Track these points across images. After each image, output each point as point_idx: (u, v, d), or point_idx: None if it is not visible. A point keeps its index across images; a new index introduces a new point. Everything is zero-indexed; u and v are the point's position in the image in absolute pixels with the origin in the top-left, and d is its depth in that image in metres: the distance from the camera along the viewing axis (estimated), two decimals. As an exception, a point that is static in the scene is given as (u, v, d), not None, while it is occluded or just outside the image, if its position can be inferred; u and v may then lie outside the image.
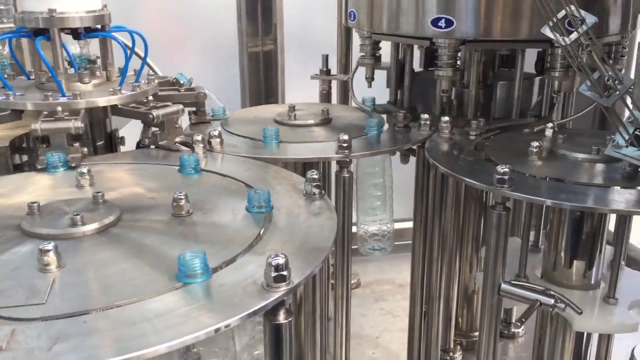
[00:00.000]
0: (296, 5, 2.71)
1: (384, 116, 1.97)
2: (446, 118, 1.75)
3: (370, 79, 2.05)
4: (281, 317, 0.93)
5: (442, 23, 1.68)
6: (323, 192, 1.28)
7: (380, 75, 2.08)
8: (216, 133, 1.57)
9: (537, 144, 1.51)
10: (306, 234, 1.11)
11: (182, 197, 1.16)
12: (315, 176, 1.27)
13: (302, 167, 1.70)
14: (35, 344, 0.77)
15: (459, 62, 1.89)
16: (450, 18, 1.67)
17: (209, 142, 1.56)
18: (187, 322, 0.83)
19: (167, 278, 0.94)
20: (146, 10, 2.66)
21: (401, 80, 2.01)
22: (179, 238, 1.10)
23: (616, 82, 1.23)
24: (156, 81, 1.68)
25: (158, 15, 2.68)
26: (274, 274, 0.90)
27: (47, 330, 0.80)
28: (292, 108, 1.89)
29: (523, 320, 1.34)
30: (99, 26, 1.59)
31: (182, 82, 1.83)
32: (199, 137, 1.51)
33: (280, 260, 0.90)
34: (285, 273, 0.90)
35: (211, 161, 1.51)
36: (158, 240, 1.08)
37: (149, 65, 2.02)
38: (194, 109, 1.81)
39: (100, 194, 1.18)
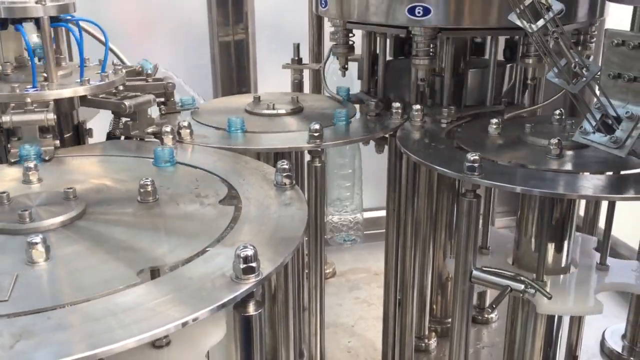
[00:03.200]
0: (268, -6, 2.68)
1: (357, 105, 1.96)
2: (418, 106, 1.75)
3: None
4: (251, 309, 0.92)
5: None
6: (294, 182, 1.27)
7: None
8: (186, 124, 1.55)
9: (496, 120, 1.52)
10: (276, 225, 1.11)
11: (149, 182, 1.14)
12: (286, 166, 1.26)
13: (274, 157, 1.69)
14: (-3, 342, 0.76)
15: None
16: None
17: (179, 133, 1.54)
18: (154, 316, 0.81)
19: (135, 271, 0.93)
20: (114, -1, 2.61)
21: (373, 69, 2.00)
22: (148, 230, 1.09)
23: (583, 69, 1.24)
24: (124, 71, 1.66)
25: (127, 3, 2.63)
26: (242, 266, 0.89)
27: (9, 328, 0.78)
28: (258, 98, 1.88)
29: (494, 306, 1.35)
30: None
31: (147, 69, 1.80)
32: (168, 128, 1.49)
33: (249, 252, 0.89)
34: (254, 265, 0.89)
35: (181, 152, 1.49)
36: (126, 234, 1.07)
37: (115, 55, 1.98)
38: (162, 99, 1.78)
39: (71, 189, 1.15)
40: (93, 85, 1.51)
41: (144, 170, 1.37)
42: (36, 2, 1.44)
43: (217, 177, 1.33)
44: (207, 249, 1.01)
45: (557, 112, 1.64)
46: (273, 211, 1.16)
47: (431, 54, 1.78)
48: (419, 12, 1.68)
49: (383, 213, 1.98)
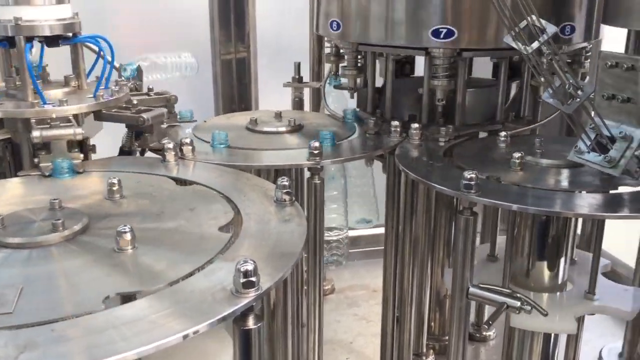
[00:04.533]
0: (269, 13, 2.72)
1: (355, 124, 1.99)
2: (416, 125, 1.78)
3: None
4: (250, 323, 0.94)
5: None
6: (293, 198, 1.29)
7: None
8: (187, 140, 1.58)
9: (519, 154, 1.52)
10: (276, 240, 1.13)
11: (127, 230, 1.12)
12: (286, 183, 1.28)
13: (275, 174, 1.71)
14: (1, 353, 0.77)
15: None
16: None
17: (180, 150, 1.56)
18: (155, 329, 0.83)
19: (139, 285, 0.95)
20: (119, 17, 2.65)
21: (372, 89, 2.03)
22: (150, 244, 1.10)
23: (577, 90, 1.27)
24: (128, 86, 1.69)
25: (131, 21, 2.67)
26: (242, 280, 0.91)
27: (14, 340, 0.80)
28: (277, 114, 1.91)
29: (490, 322, 1.37)
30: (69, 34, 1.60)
31: (129, 69, 1.84)
32: (170, 145, 1.52)
33: (249, 267, 0.91)
34: (254, 279, 0.91)
35: (183, 168, 1.51)
36: (129, 250, 1.08)
37: (117, 71, 2.01)
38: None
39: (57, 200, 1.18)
40: (106, 100, 1.56)
41: (146, 185, 1.39)
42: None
43: (218, 193, 1.35)
44: (209, 264, 1.03)
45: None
46: (273, 227, 1.18)
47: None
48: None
49: (381, 230, 2.00)
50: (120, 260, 1.04)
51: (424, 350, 2.17)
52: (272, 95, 2.68)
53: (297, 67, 2.28)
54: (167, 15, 2.65)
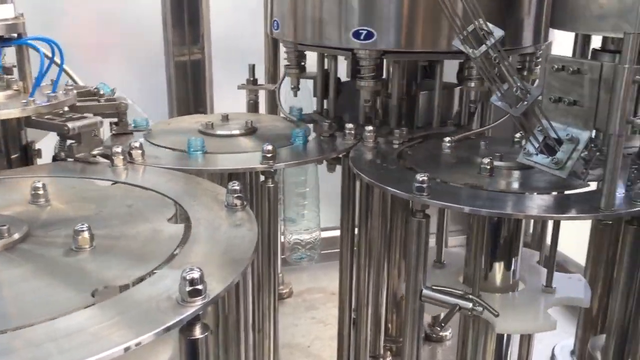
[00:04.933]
0: (224, 14, 2.69)
1: (311, 126, 1.98)
2: (370, 127, 1.78)
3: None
4: (197, 332, 0.91)
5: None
6: (245, 203, 1.27)
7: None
8: (137, 144, 1.54)
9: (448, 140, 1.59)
10: (226, 246, 1.11)
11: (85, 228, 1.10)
12: (237, 187, 1.26)
13: (228, 178, 1.69)
14: None
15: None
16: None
17: (130, 154, 1.52)
18: (96, 342, 0.80)
19: (81, 295, 0.92)
20: (69, 18, 2.59)
21: (327, 90, 2.03)
22: (95, 252, 1.07)
23: (525, 92, 1.29)
24: (75, 91, 1.64)
25: (81, 22, 2.61)
26: (188, 289, 0.88)
27: (-55, 355, 0.76)
28: (226, 117, 1.88)
29: (442, 324, 1.38)
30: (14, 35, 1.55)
31: (102, 92, 1.78)
32: (119, 149, 1.48)
33: (195, 274, 0.89)
34: (200, 287, 0.89)
35: (132, 173, 1.48)
36: (73, 257, 1.05)
37: (68, 75, 1.96)
38: (115, 119, 1.76)
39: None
40: (38, 106, 1.49)
41: (91, 191, 1.35)
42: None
43: (167, 199, 1.32)
44: (155, 271, 1.00)
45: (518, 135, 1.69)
46: (223, 232, 1.16)
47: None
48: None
49: (338, 233, 2.00)
50: (63, 269, 1.01)
51: (381, 352, 2.17)
52: (228, 97, 2.64)
53: (252, 69, 2.26)
54: (118, 16, 2.59)
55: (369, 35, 1.71)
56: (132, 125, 1.81)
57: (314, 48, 1.93)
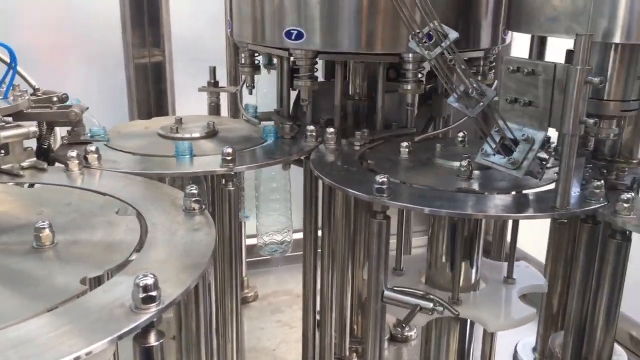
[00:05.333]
0: (184, 16, 2.66)
1: (273, 128, 1.97)
2: (331, 129, 1.78)
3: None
4: (152, 340, 0.90)
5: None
6: (203, 207, 1.26)
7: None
8: (93, 148, 1.51)
9: (406, 143, 1.60)
10: (183, 251, 1.09)
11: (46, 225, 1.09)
12: (195, 191, 1.25)
13: (190, 181, 1.67)
14: None
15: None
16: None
17: (85, 158, 1.49)
18: (45, 352, 0.78)
19: (32, 304, 0.89)
20: (25, 18, 2.53)
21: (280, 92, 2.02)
22: (47, 259, 1.04)
23: (481, 94, 1.30)
24: (27, 97, 1.59)
25: (38, 23, 2.55)
26: (142, 295, 0.87)
27: None
28: (179, 121, 1.86)
29: (403, 325, 1.38)
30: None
31: (55, 99, 1.71)
32: (74, 153, 1.45)
33: (149, 281, 0.87)
34: (154, 293, 0.88)
35: (88, 178, 1.45)
36: (24, 263, 1.03)
37: (24, 79, 1.91)
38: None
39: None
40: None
41: (43, 197, 1.32)
42: None
43: (124, 203, 1.29)
44: (108, 278, 0.98)
45: (461, 134, 1.71)
46: (180, 237, 1.14)
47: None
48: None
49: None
50: (14, 276, 0.98)
51: (347, 353, 2.17)
52: (190, 100, 2.62)
53: (213, 71, 2.24)
54: (76, 17, 2.54)
55: (299, 35, 1.73)
56: (89, 135, 1.75)
57: (257, 47, 1.96)
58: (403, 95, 1.85)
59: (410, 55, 1.73)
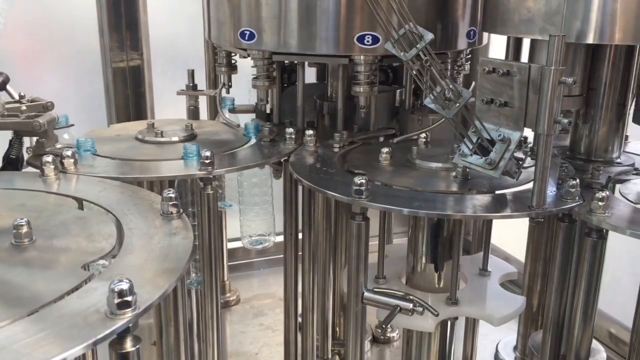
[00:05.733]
0: (163, 19, 2.65)
1: (252, 131, 1.96)
2: (310, 131, 1.78)
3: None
4: (128, 345, 0.89)
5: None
6: (181, 211, 1.25)
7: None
8: (69, 153, 1.50)
9: (387, 149, 1.60)
10: (160, 255, 1.08)
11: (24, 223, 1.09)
12: (172, 195, 1.24)
13: (168, 185, 1.66)
14: None
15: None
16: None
17: (62, 163, 1.48)
18: (20, 358, 0.77)
19: (7, 310, 0.88)
20: None
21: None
22: (19, 265, 1.03)
23: (457, 95, 1.31)
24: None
25: (14, 28, 2.51)
26: (117, 301, 0.86)
27: None
28: (151, 126, 1.85)
29: (383, 326, 1.38)
30: None
31: (24, 107, 1.66)
32: (49, 158, 1.43)
33: (124, 286, 0.87)
34: (129, 299, 0.87)
35: (64, 183, 1.43)
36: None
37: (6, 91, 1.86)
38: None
39: None
40: None
41: (16, 201, 1.31)
42: None
43: (100, 208, 1.28)
44: (83, 284, 0.97)
45: (423, 135, 1.73)
46: (157, 242, 1.13)
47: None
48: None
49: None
50: (-14, 285, 0.97)
51: (329, 355, 2.17)
52: (169, 104, 2.60)
53: (191, 74, 2.22)
54: (53, 20, 2.51)
55: (252, 36, 1.75)
56: (76, 147, 1.70)
57: (227, 48, 1.98)
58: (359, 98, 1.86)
59: (362, 57, 1.73)
